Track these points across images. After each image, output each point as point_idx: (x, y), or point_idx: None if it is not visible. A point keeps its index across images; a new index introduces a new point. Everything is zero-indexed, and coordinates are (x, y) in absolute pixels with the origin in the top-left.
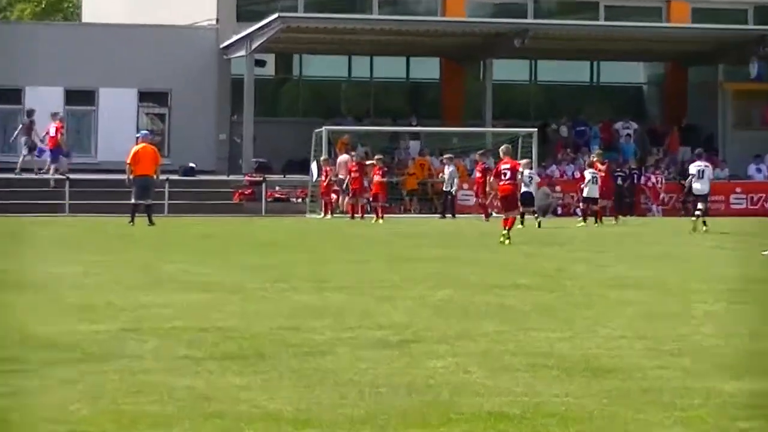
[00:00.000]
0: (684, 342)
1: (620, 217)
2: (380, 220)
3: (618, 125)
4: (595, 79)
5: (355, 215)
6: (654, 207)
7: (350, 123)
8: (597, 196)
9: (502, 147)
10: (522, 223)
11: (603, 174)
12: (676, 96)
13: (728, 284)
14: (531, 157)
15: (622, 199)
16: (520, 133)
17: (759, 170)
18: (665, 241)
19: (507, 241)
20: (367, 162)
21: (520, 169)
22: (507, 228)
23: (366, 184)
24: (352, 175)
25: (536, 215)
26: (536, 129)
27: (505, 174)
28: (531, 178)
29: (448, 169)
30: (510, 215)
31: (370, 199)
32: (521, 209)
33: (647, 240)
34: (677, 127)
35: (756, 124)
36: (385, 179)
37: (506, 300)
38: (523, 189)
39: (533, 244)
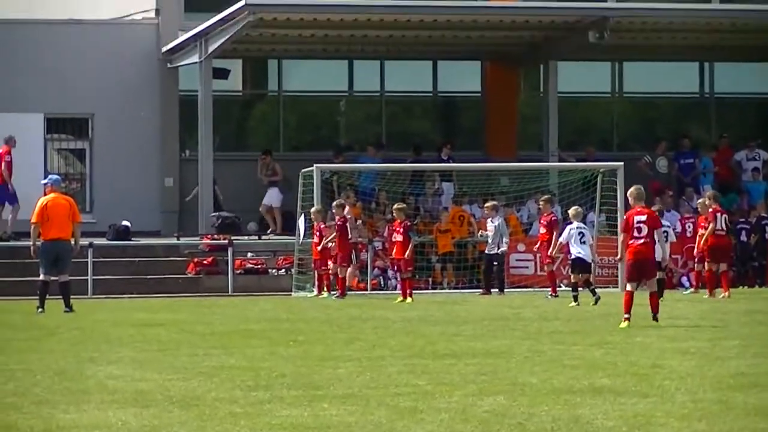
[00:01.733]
0: None
1: (745, 287)
2: (408, 299)
3: (740, 155)
4: (707, 89)
5: (346, 292)
6: None
7: (353, 158)
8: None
9: (632, 189)
10: (575, 298)
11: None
12: None
13: None
14: (616, 203)
15: (747, 262)
16: (600, 169)
17: None
18: None
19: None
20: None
21: (595, 221)
22: (627, 310)
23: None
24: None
25: (593, 288)
26: (623, 163)
27: (639, 229)
28: (582, 234)
29: (493, 223)
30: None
31: (384, 268)
32: (573, 279)
33: None
34: None
35: None
36: (410, 239)
37: (581, 411)
38: (576, 251)
39: (611, 330)
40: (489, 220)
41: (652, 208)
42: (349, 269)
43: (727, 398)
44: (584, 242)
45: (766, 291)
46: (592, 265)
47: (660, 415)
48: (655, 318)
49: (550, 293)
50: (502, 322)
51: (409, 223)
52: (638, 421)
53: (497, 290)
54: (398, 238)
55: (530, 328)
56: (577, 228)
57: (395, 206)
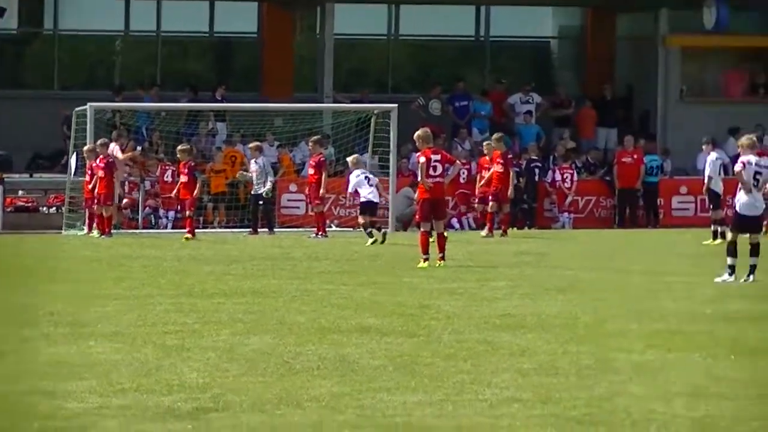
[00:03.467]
0: (600, 406)
1: (514, 228)
2: (189, 237)
3: (514, 98)
4: (482, 33)
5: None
6: (563, 215)
7: (128, 97)
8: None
9: (419, 132)
10: (371, 235)
11: (501, 168)
12: (599, 56)
13: (666, 323)
14: (389, 145)
15: (517, 204)
16: (374, 111)
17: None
18: (576, 264)
19: (441, 263)
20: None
21: (366, 162)
22: (425, 250)
23: (148, 185)
24: (99, 174)
25: (381, 228)
26: (397, 105)
27: (435, 168)
28: (368, 178)
29: (257, 164)
30: (426, 227)
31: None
32: (362, 221)
33: (551, 262)
34: (590, 102)
35: (712, 95)
36: (196, 179)
37: (347, 350)
38: (365, 193)
39: (380, 271)
40: (253, 160)
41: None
42: (112, 208)
43: (492, 338)
44: (372, 185)
45: (536, 233)
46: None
47: (426, 355)
48: (442, 258)
49: (316, 233)
50: (272, 261)
51: (193, 163)
52: (404, 360)
53: (267, 230)
54: (183, 179)
55: (299, 268)
56: (362, 173)
57: (179, 147)
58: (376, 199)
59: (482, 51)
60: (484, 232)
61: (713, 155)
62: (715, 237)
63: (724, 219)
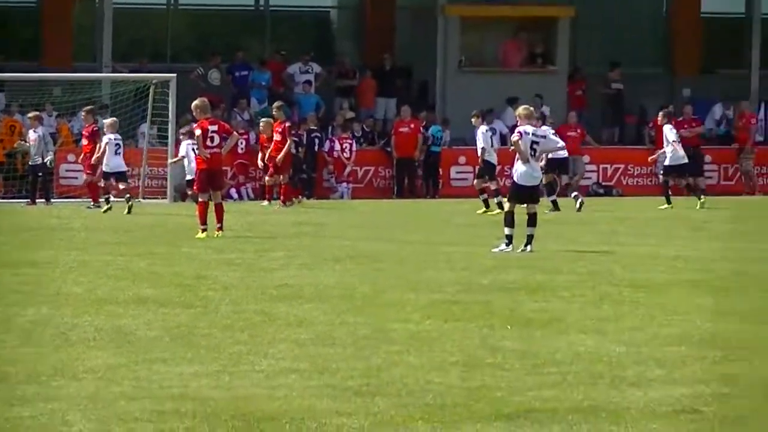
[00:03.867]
0: (378, 376)
1: (296, 199)
2: None
3: (293, 68)
4: (261, 3)
5: None
6: (342, 185)
7: None
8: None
9: (196, 102)
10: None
11: (279, 137)
12: (378, 26)
13: (444, 294)
14: (168, 116)
15: (298, 174)
16: (152, 80)
17: (492, 131)
18: (354, 235)
19: (219, 233)
20: None
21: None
22: (203, 221)
23: None
24: None
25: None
26: (175, 75)
27: (212, 139)
28: (118, 145)
29: (36, 133)
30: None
31: None
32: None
33: (330, 232)
34: (370, 72)
35: (491, 65)
36: None
37: (123, 321)
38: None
39: (157, 241)
40: (32, 130)
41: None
42: None
43: (269, 309)
44: (119, 153)
45: (315, 203)
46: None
47: (203, 326)
48: (220, 228)
49: (92, 204)
50: (49, 232)
51: None
52: (181, 331)
53: (44, 200)
54: None
55: (77, 239)
56: (114, 139)
57: None
58: (123, 168)
59: (262, 21)
60: (265, 202)
61: (483, 127)
62: (486, 206)
63: (500, 189)
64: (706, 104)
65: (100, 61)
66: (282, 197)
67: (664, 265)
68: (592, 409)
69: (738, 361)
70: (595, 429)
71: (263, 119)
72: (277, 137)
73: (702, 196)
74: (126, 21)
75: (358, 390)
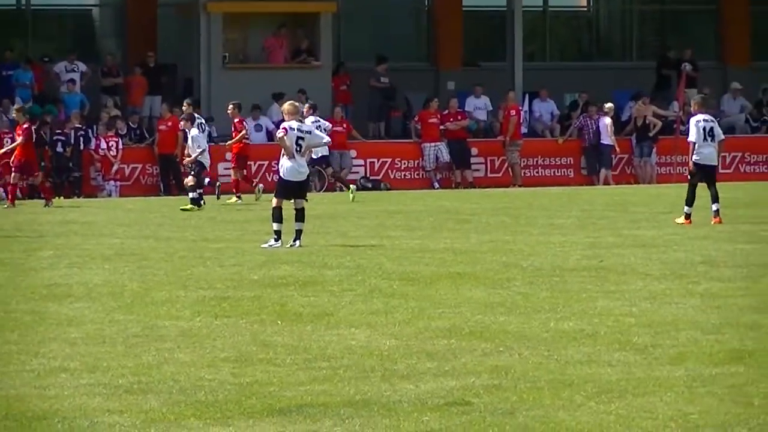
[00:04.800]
0: (149, 374)
1: (60, 197)
2: None
3: (59, 67)
4: (23, 2)
5: None
6: (109, 183)
7: None
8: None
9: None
10: None
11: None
12: (141, 24)
13: (214, 290)
14: None
15: (66, 174)
16: None
17: (259, 128)
18: (122, 233)
19: None
20: None
21: None
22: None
23: None
24: None
25: None
26: None
27: None
28: None
29: None
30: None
31: None
32: None
33: (98, 231)
34: (140, 70)
35: (256, 61)
36: None
37: None
38: None
39: None
40: None
41: None
42: None
43: (39, 308)
44: None
45: (82, 202)
46: None
47: None
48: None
49: None
50: None
51: None
52: None
53: None
54: None
55: None
56: None
57: None
58: None
59: (24, 19)
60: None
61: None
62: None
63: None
64: (467, 96)
65: None
66: (45, 196)
67: (433, 258)
68: (365, 402)
69: (506, 352)
70: (368, 422)
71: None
72: (19, 140)
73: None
74: None
75: (129, 388)
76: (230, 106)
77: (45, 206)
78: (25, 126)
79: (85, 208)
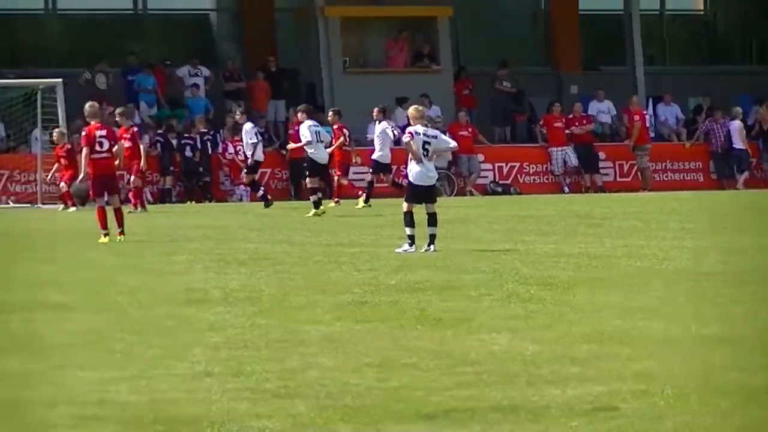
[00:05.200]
0: (294, 379)
1: (191, 202)
2: None
3: (183, 71)
4: (140, 6)
5: None
6: (239, 188)
7: None
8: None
9: (87, 106)
10: None
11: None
12: (260, 29)
13: (352, 294)
14: (58, 119)
15: (194, 178)
16: (39, 85)
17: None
18: (256, 237)
19: (121, 238)
20: None
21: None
22: (103, 225)
23: None
24: None
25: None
26: (61, 80)
27: (100, 143)
28: None
29: None
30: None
31: None
32: None
33: (231, 235)
34: (262, 74)
35: (376, 65)
36: None
37: (36, 327)
38: None
39: (60, 247)
40: None
41: None
42: None
43: (179, 313)
44: None
45: (214, 206)
46: None
47: (115, 331)
48: (122, 233)
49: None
50: None
51: None
52: (94, 336)
53: None
54: None
55: None
56: None
57: None
58: None
59: (140, 24)
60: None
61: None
62: (317, 207)
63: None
64: (589, 101)
65: None
66: (133, 201)
67: (568, 263)
68: (512, 407)
69: (650, 357)
70: (516, 428)
71: (56, 130)
72: (126, 144)
73: None
74: (6, 27)
75: (276, 392)
76: (330, 113)
77: (129, 212)
78: (135, 130)
79: (217, 212)
